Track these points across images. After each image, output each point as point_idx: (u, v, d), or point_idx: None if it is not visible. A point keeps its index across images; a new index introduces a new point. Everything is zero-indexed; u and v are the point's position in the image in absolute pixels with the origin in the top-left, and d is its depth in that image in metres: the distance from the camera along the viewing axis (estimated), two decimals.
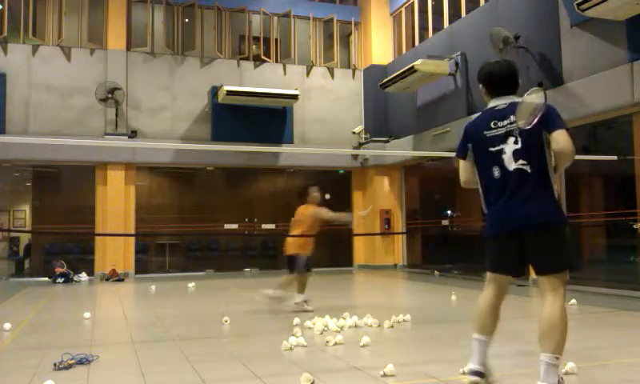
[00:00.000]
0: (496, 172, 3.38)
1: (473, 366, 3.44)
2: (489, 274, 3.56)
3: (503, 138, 3.37)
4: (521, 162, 3.31)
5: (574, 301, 7.85)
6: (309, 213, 7.86)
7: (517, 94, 3.55)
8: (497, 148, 3.38)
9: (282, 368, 4.51)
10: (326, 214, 7.81)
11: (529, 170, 3.30)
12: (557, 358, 3.15)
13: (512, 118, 3.37)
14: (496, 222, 3.43)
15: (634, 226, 8.90)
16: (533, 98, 3.28)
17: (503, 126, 3.39)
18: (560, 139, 3.26)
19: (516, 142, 3.33)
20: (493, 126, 3.42)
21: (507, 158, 3.34)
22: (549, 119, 3.30)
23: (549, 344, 3.16)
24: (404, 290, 11.32)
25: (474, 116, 3.70)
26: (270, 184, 17.13)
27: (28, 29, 14.17)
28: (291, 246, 7.82)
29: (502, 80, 3.54)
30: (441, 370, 4.23)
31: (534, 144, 3.31)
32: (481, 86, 3.64)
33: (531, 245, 3.32)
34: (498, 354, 4.82)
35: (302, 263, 7.69)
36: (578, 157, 10.78)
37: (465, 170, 3.61)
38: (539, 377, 3.16)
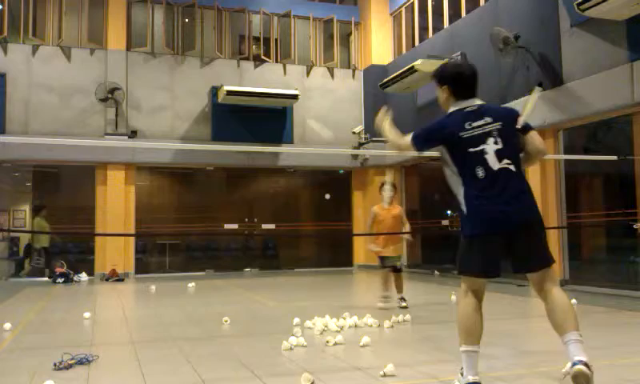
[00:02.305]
0: (480, 172, 3.36)
1: (471, 377, 3.33)
2: (465, 282, 3.44)
3: (483, 138, 3.38)
4: (505, 161, 3.35)
5: (574, 301, 7.84)
6: (393, 213, 7.97)
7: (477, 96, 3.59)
8: (477, 148, 3.37)
9: (282, 368, 4.51)
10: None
11: (513, 169, 3.35)
12: (580, 335, 3.20)
13: (487, 119, 3.41)
14: (484, 221, 3.34)
15: (634, 226, 8.90)
16: (535, 98, 3.44)
17: (479, 127, 3.40)
18: (537, 139, 3.45)
19: (496, 143, 3.36)
20: (467, 127, 3.41)
21: (490, 157, 3.35)
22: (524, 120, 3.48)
23: (572, 323, 3.21)
24: (404, 290, 11.31)
25: (444, 117, 3.62)
26: (270, 184, 17.14)
27: (28, 29, 14.17)
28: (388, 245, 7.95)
29: (471, 82, 3.56)
30: (441, 370, 4.23)
31: (513, 144, 3.41)
32: (444, 86, 3.60)
33: (524, 241, 3.32)
34: (497, 354, 4.83)
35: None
36: (577, 157, 10.74)
37: (404, 152, 3.88)
38: (572, 355, 3.14)
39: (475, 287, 3.42)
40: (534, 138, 3.44)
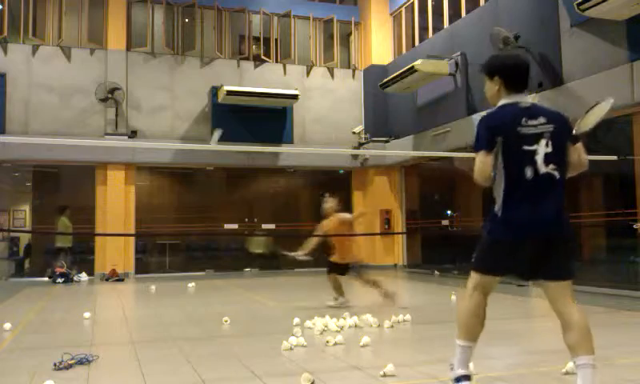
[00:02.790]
0: (529, 172, 3.20)
1: (463, 371, 3.32)
2: (478, 278, 3.36)
3: (535, 139, 3.23)
4: (551, 166, 3.21)
5: None
6: (335, 221, 8.10)
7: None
8: (531, 147, 3.22)
9: (282, 368, 4.51)
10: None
11: (557, 176, 3.22)
12: (594, 359, 3.17)
13: (541, 119, 3.26)
14: (515, 225, 3.22)
15: (634, 226, 8.90)
16: (603, 110, 3.34)
17: (534, 126, 3.24)
18: (583, 152, 3.31)
19: (547, 146, 3.22)
20: (524, 122, 3.24)
21: (540, 159, 3.20)
22: (572, 129, 3.38)
23: (590, 346, 3.17)
24: (404, 290, 11.32)
25: (489, 111, 3.43)
26: (270, 184, 17.15)
27: (28, 29, 14.17)
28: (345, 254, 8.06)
29: (525, 76, 3.40)
30: (441, 370, 4.22)
31: (563, 151, 3.26)
32: (496, 78, 3.39)
33: (549, 251, 3.21)
34: (498, 354, 4.83)
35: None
36: None
37: (487, 165, 3.25)
38: (587, 380, 3.10)
39: (486, 286, 3.35)
40: (579, 150, 3.30)
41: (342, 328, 6.01)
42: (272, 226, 15.88)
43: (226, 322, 6.63)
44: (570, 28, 9.73)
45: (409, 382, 3.73)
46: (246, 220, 16.21)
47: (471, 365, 4.01)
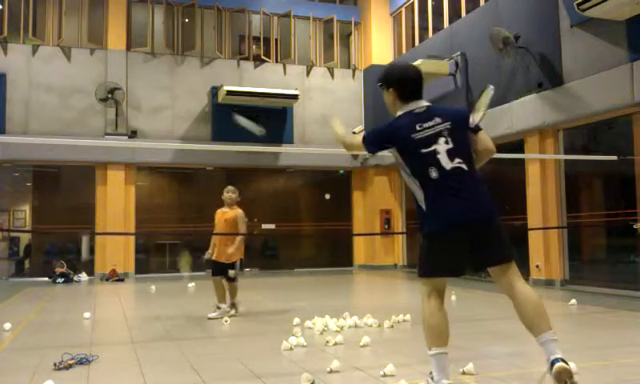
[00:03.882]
0: (433, 172, 3.34)
1: (445, 381, 3.28)
2: (428, 284, 3.39)
3: (434, 139, 3.37)
4: (457, 160, 3.35)
5: (574, 301, 7.86)
6: (233, 216, 7.47)
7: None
8: (429, 149, 3.36)
9: (282, 368, 4.51)
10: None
11: (466, 168, 3.36)
12: (554, 333, 3.19)
13: (437, 119, 3.40)
14: (443, 220, 3.32)
15: (634, 226, 8.90)
16: (487, 96, 3.51)
17: (429, 128, 3.39)
18: (485, 138, 3.48)
19: (447, 142, 3.36)
20: (418, 128, 3.40)
21: (442, 157, 3.34)
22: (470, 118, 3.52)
23: (544, 323, 3.19)
24: (404, 290, 11.32)
25: (393, 120, 3.57)
26: (270, 184, 17.13)
27: (28, 29, 14.17)
28: (230, 249, 7.35)
29: (417, 83, 3.56)
30: None
31: (465, 143, 3.42)
32: (390, 90, 3.58)
33: (483, 238, 3.31)
34: (497, 354, 4.83)
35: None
36: (578, 157, 10.72)
37: (353, 149, 3.90)
38: (549, 354, 3.11)
39: (439, 287, 3.40)
40: (483, 138, 3.48)
41: (341, 328, 6.01)
42: (272, 226, 15.88)
43: (226, 322, 6.63)
44: (570, 28, 9.73)
45: (409, 382, 3.72)
46: (246, 220, 16.18)
47: (470, 365, 4.02)
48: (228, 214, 7.47)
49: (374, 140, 3.60)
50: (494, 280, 3.43)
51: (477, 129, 3.49)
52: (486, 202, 3.37)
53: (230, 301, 7.34)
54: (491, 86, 3.64)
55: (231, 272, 7.30)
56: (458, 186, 3.33)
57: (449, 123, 3.39)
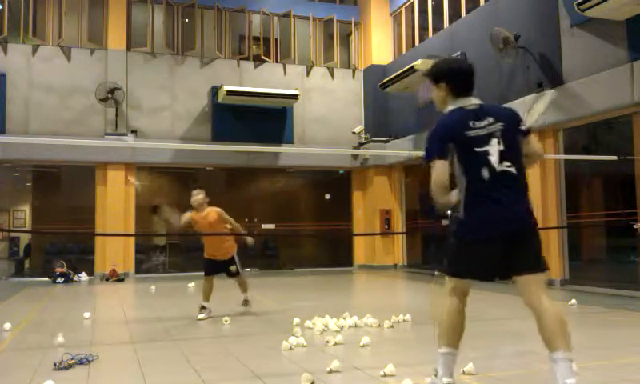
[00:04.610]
0: (485, 173, 3.24)
1: (446, 380, 3.30)
2: (452, 283, 3.37)
3: (486, 139, 3.27)
4: (506, 163, 3.26)
5: (574, 301, 7.86)
6: (216, 218, 7.42)
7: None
8: (482, 149, 3.26)
9: (282, 368, 4.51)
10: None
11: (514, 172, 3.27)
12: (570, 354, 3.11)
13: (489, 119, 3.30)
14: (483, 226, 3.25)
15: (634, 226, 8.89)
16: (544, 102, 3.35)
17: (482, 127, 3.29)
18: (536, 141, 3.43)
19: (499, 143, 3.26)
20: (472, 125, 3.29)
21: (494, 159, 3.25)
22: (525, 124, 3.40)
23: (563, 341, 3.09)
24: (404, 290, 11.32)
25: (443, 117, 3.47)
26: (270, 184, 17.14)
27: (28, 29, 14.17)
28: (226, 246, 7.39)
29: (470, 78, 3.44)
30: None
31: (515, 146, 3.31)
32: (441, 83, 3.45)
33: (520, 246, 3.24)
34: (498, 354, 4.83)
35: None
36: (578, 157, 10.71)
37: (443, 172, 3.29)
38: (562, 376, 3.05)
39: (462, 289, 3.37)
40: (532, 141, 3.40)
41: (341, 328, 6.01)
42: (272, 226, 15.88)
43: (226, 322, 6.63)
44: (570, 28, 9.73)
45: (413, 381, 3.72)
46: (246, 220, 16.19)
47: (471, 365, 4.02)
48: (210, 216, 7.34)
49: (432, 146, 3.35)
50: (518, 290, 3.29)
51: (527, 132, 3.39)
52: (526, 208, 3.30)
53: (244, 297, 7.42)
54: (551, 91, 3.52)
55: (233, 267, 7.30)
56: (503, 191, 3.24)
57: (501, 124, 3.29)
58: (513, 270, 3.28)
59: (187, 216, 7.30)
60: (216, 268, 7.37)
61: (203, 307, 7.16)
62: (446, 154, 3.30)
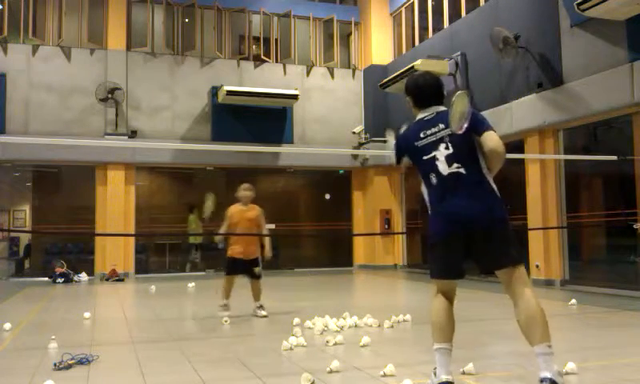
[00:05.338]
0: (433, 178, 3.46)
1: (445, 377, 3.38)
2: (436, 284, 3.54)
3: (435, 146, 3.46)
4: (455, 165, 3.39)
5: (574, 301, 7.86)
6: (257, 215, 7.40)
7: (442, 104, 3.64)
8: (429, 156, 3.47)
9: (282, 368, 4.51)
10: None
11: (464, 172, 3.38)
12: (549, 346, 3.18)
13: (440, 125, 3.47)
14: (441, 225, 3.45)
15: (634, 226, 8.90)
16: (460, 103, 3.36)
17: (432, 134, 3.49)
18: (490, 138, 3.38)
19: (447, 148, 3.42)
20: (422, 136, 3.53)
21: (441, 163, 3.43)
22: (475, 123, 3.40)
23: (539, 335, 3.18)
24: (404, 290, 11.33)
25: (405, 128, 3.80)
26: (270, 184, 17.13)
27: (28, 29, 14.17)
28: (254, 246, 7.33)
29: (428, 92, 3.66)
30: None
31: (464, 147, 3.41)
32: (408, 98, 3.76)
33: (482, 241, 3.35)
34: (497, 354, 4.83)
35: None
36: (578, 157, 10.71)
37: (404, 166, 3.85)
38: (540, 369, 3.15)
39: (444, 288, 3.51)
40: (486, 139, 3.38)
41: (341, 328, 6.01)
42: (272, 226, 15.86)
43: (226, 322, 6.63)
44: (570, 28, 9.73)
45: (413, 381, 3.72)
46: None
47: (471, 365, 4.02)
48: (250, 213, 7.35)
49: (395, 153, 3.79)
50: (502, 283, 3.44)
51: (480, 130, 3.40)
52: (483, 206, 3.36)
53: (258, 302, 7.23)
54: (460, 92, 3.53)
55: (257, 269, 7.26)
56: (455, 190, 3.39)
57: (450, 129, 3.42)
58: (488, 266, 3.44)
59: (228, 211, 7.41)
60: (239, 268, 7.30)
61: (225, 305, 7.14)
62: (400, 162, 3.76)
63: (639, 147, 9.04)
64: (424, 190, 3.59)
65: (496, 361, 4.58)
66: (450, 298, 3.51)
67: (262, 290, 7.30)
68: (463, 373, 3.98)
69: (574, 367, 4.02)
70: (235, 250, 7.24)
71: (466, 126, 3.32)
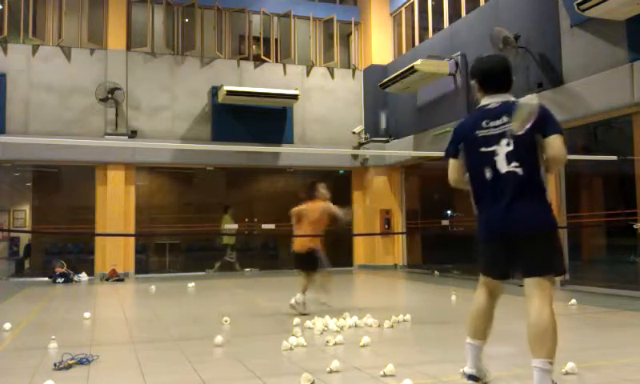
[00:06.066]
0: (488, 173, 3.28)
1: (468, 370, 3.47)
2: (481, 277, 3.54)
3: (496, 139, 3.27)
4: (514, 164, 3.21)
5: (574, 301, 7.86)
6: (320, 207, 7.79)
7: (510, 92, 3.44)
8: (489, 149, 3.27)
9: (282, 368, 4.51)
10: (336, 210, 7.84)
11: (521, 173, 3.20)
12: (550, 364, 3.09)
13: (505, 118, 3.26)
14: (487, 227, 3.36)
15: (634, 226, 8.90)
16: (528, 102, 3.17)
17: (496, 127, 3.28)
18: (555, 145, 3.19)
19: (509, 144, 3.22)
20: (485, 125, 3.32)
21: (500, 159, 3.24)
22: (546, 123, 3.21)
23: (541, 349, 3.09)
24: (404, 290, 11.33)
25: (463, 117, 3.62)
26: (270, 184, 17.15)
27: (28, 29, 14.16)
28: (309, 240, 7.75)
29: (495, 76, 3.42)
30: (441, 370, 4.23)
31: (526, 146, 3.22)
32: (473, 82, 3.52)
33: (521, 249, 3.24)
34: (496, 354, 4.82)
35: (324, 258, 7.68)
36: (578, 157, 10.74)
37: (455, 170, 3.53)
38: (535, 381, 3.11)
39: (489, 285, 3.51)
40: (551, 144, 3.19)
41: (341, 328, 6.01)
42: (272, 226, 15.87)
43: (226, 322, 6.63)
44: (570, 28, 9.73)
45: (413, 381, 3.72)
46: (246, 220, 16.21)
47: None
48: (322, 206, 7.85)
49: (448, 146, 3.56)
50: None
51: (549, 132, 3.19)
52: (526, 212, 3.21)
53: (324, 296, 7.63)
54: (531, 97, 3.31)
55: (317, 261, 7.61)
56: (504, 191, 3.23)
57: (512, 125, 3.22)
58: (517, 271, 3.35)
59: (297, 209, 7.96)
60: (304, 261, 7.65)
61: (299, 300, 7.36)
62: (457, 153, 3.46)
63: (639, 147, 9.04)
64: (470, 185, 3.42)
65: (496, 361, 4.58)
66: (493, 294, 3.49)
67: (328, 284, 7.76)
68: (463, 373, 3.97)
69: (574, 367, 4.02)
70: (302, 242, 7.76)
71: (528, 127, 3.13)
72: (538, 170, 3.25)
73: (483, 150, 3.29)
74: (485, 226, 3.37)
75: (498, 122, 3.28)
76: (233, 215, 15.40)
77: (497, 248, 3.33)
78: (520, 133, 3.17)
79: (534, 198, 3.23)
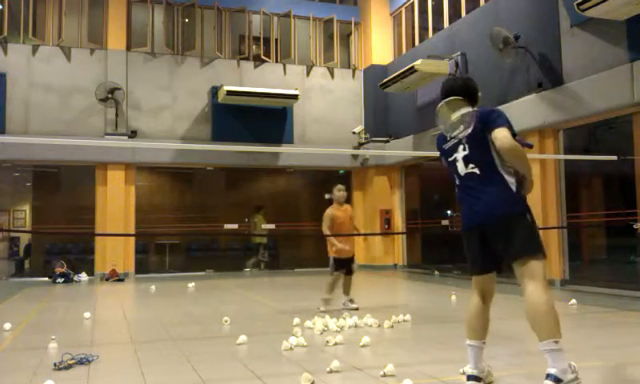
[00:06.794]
0: (456, 179, 3.65)
1: (469, 370, 3.56)
2: (472, 279, 3.70)
3: (455, 148, 3.60)
4: (470, 165, 3.52)
5: (574, 301, 7.86)
6: (349, 212, 7.99)
7: (477, 105, 3.67)
8: (452, 158, 3.63)
9: (282, 368, 4.51)
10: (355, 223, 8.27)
11: (478, 172, 3.51)
12: (556, 342, 3.19)
13: (461, 127, 3.56)
14: (462, 224, 3.69)
15: (634, 226, 8.90)
16: (444, 112, 3.58)
17: (455, 136, 3.60)
18: (499, 136, 3.40)
19: (464, 149, 3.54)
20: (448, 138, 3.66)
21: (460, 165, 3.58)
22: (488, 119, 3.47)
23: (541, 332, 3.23)
24: (404, 290, 11.33)
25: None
26: (270, 184, 17.15)
27: (28, 29, 14.17)
28: (352, 246, 7.97)
29: (454, 93, 3.69)
30: (441, 370, 4.23)
31: (479, 146, 3.50)
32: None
33: (494, 237, 3.48)
34: (496, 354, 4.83)
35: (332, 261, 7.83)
36: (577, 157, 10.71)
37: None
38: (547, 365, 3.20)
39: (479, 286, 3.63)
40: (495, 136, 3.40)
41: (342, 328, 6.01)
42: (272, 226, 15.88)
43: (226, 322, 6.63)
44: (570, 28, 9.73)
45: (413, 381, 3.72)
46: (246, 220, 16.21)
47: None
48: (349, 210, 7.95)
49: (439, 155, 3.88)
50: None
51: (492, 127, 3.43)
52: (492, 202, 3.46)
53: (349, 296, 7.75)
54: (440, 104, 3.64)
55: (354, 265, 7.87)
56: (470, 190, 3.55)
57: (469, 129, 3.54)
58: (501, 260, 3.56)
59: (327, 214, 7.86)
60: (343, 265, 7.73)
61: (328, 299, 7.53)
62: (442, 162, 3.84)
63: (639, 147, 9.04)
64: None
65: (496, 361, 4.58)
66: (485, 294, 3.61)
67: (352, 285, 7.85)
68: (463, 373, 3.97)
69: (575, 367, 4.01)
70: (341, 249, 7.61)
71: (472, 124, 3.46)
72: (495, 166, 3.48)
73: (450, 159, 3.66)
74: (461, 224, 3.69)
75: (456, 133, 3.60)
76: (265, 215, 15.70)
77: (472, 242, 3.59)
78: (469, 132, 3.48)
79: (494, 191, 3.48)
